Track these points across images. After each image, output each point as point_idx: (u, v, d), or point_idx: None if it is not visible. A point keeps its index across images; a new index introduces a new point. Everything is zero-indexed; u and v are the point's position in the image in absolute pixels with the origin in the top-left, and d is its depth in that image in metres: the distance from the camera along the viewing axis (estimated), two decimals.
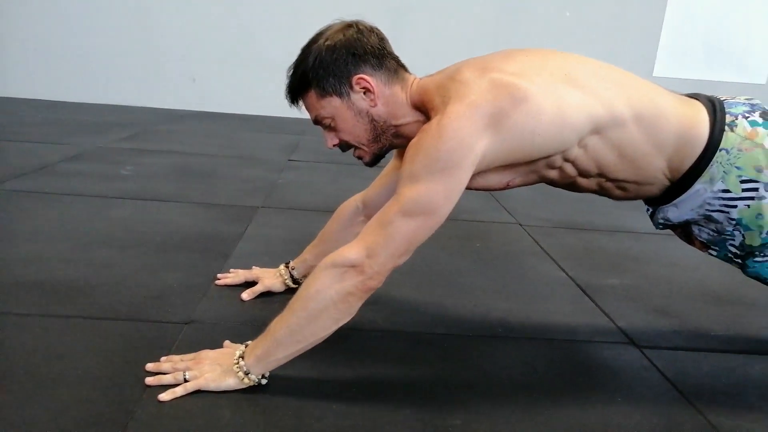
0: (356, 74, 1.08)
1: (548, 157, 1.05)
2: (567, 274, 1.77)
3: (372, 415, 1.01)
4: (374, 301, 1.44)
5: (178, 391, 1.00)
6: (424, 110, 1.09)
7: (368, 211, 1.38)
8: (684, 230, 1.19)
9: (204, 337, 1.21)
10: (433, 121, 1.00)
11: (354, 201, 1.42)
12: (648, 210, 1.21)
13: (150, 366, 1.07)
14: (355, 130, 1.13)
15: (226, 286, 1.47)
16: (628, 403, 1.11)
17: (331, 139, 1.16)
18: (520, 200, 2.66)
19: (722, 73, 5.13)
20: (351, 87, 1.09)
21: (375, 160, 1.19)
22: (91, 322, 1.24)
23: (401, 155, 1.32)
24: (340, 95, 1.09)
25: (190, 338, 1.21)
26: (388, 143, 1.16)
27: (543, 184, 1.18)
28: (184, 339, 1.20)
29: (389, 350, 1.24)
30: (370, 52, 1.08)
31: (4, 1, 4.60)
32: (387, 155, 1.24)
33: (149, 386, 1.02)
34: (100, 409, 0.96)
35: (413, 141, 1.03)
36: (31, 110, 4.18)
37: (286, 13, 4.77)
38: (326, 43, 1.08)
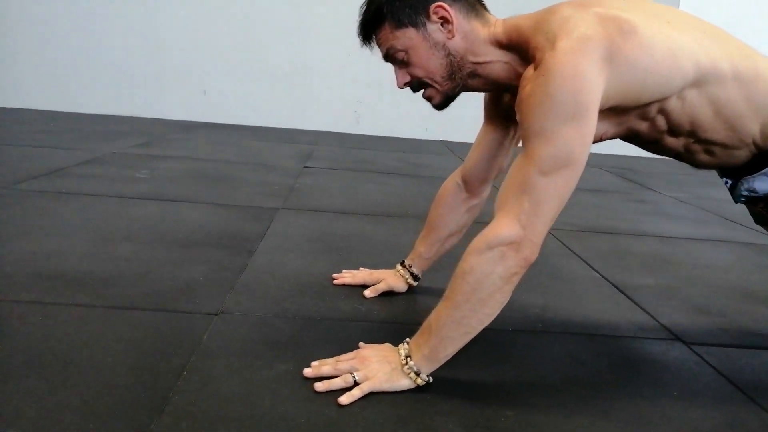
0: (434, 3, 1.01)
1: (648, 105, 0.98)
2: (600, 274, 1.72)
3: (417, 405, 0.95)
4: (400, 298, 1.40)
5: (356, 393, 0.95)
6: (518, 50, 1.02)
7: (470, 187, 1.32)
8: None
9: (236, 328, 1.17)
10: (547, 63, 0.90)
11: (453, 180, 1.36)
12: (727, 183, 1.14)
13: (309, 372, 1.00)
14: (430, 65, 1.05)
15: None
16: (686, 398, 1.05)
17: (402, 77, 1.08)
18: None
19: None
20: (428, 17, 1.02)
21: (445, 102, 1.11)
22: (118, 312, 1.19)
23: (490, 113, 1.27)
24: (415, 26, 1.03)
25: (221, 329, 1.16)
26: (462, 83, 1.07)
27: None
28: (215, 330, 1.15)
29: None
30: None
31: (16, 15, 4.61)
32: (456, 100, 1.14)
33: (318, 391, 0.96)
34: (135, 395, 0.90)
35: (528, 90, 0.94)
36: (41, 120, 4.17)
37: (296, 26, 4.78)
38: None
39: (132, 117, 4.72)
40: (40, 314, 1.16)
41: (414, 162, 3.61)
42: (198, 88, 4.87)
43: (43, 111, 4.62)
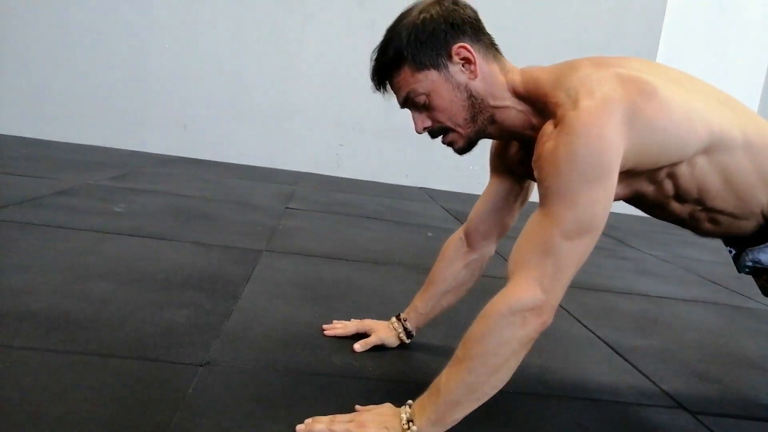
0: (456, 43, 0.99)
1: (659, 168, 0.96)
2: (594, 334, 1.68)
3: None
4: (395, 353, 1.33)
5: None
6: (534, 101, 0.99)
7: (471, 240, 1.29)
8: None
9: (223, 381, 1.08)
10: (570, 122, 0.88)
11: (457, 235, 1.32)
12: (731, 252, 1.13)
13: (301, 428, 0.94)
14: (452, 107, 1.01)
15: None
16: None
17: (422, 121, 1.04)
18: None
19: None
20: (450, 57, 0.99)
21: (468, 146, 1.07)
22: (95, 360, 1.10)
23: (496, 166, 1.24)
24: (437, 67, 0.99)
25: (208, 381, 1.07)
26: (483, 127, 1.04)
27: None
28: (201, 382, 1.07)
29: None
30: (468, 22, 1.00)
31: None
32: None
33: None
34: None
35: (550, 147, 0.90)
36: (16, 146, 4.03)
37: (281, 66, 4.79)
38: (422, 16, 0.99)
39: (107, 148, 4.61)
40: (6, 360, 1.05)
41: (397, 208, 3.58)
42: (178, 122, 4.80)
43: (12, 137, 4.48)
